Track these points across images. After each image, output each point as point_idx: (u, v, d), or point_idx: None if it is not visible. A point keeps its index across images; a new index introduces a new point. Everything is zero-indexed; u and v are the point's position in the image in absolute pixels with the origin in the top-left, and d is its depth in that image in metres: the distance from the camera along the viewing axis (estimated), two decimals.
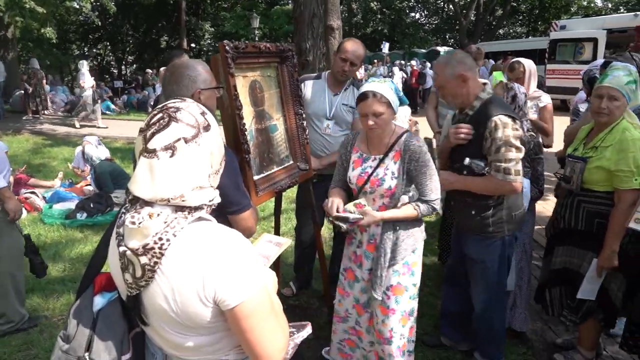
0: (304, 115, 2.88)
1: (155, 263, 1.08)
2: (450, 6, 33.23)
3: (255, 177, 2.46)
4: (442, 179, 2.39)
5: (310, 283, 3.82)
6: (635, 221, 2.18)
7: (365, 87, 2.23)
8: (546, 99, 3.78)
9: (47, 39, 18.95)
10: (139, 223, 1.07)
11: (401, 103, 2.31)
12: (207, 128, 1.15)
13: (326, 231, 4.59)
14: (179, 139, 1.09)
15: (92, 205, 5.48)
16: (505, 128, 2.27)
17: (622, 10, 27.43)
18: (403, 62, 19.38)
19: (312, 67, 6.79)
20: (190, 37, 30.60)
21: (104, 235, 1.36)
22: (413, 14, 36.86)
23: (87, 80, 12.25)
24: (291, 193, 5.34)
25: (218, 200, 1.20)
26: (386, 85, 2.21)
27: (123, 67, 36.58)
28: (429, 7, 37.44)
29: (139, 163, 1.11)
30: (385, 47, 18.92)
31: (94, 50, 35.45)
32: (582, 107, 3.91)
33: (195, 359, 1.23)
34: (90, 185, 6.32)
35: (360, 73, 16.74)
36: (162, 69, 2.23)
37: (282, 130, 2.83)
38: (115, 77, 28.78)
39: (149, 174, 1.08)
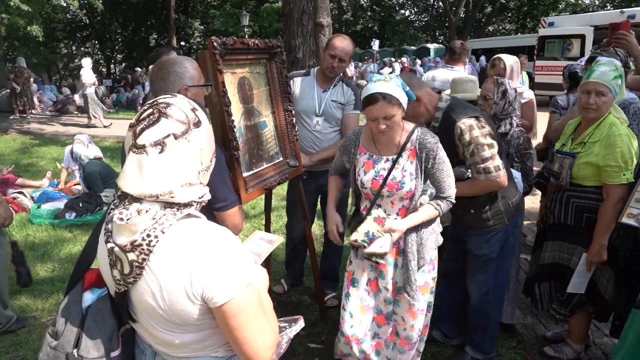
0: (293, 112, 2.88)
1: (144, 260, 1.07)
2: (440, 3, 33.36)
3: (245, 174, 2.45)
4: None
5: (302, 280, 3.82)
6: (628, 216, 2.19)
7: (373, 89, 2.02)
8: (528, 95, 3.80)
9: (34, 37, 18.73)
10: (127, 219, 1.06)
11: (409, 98, 2.16)
12: (197, 124, 1.14)
13: (317, 228, 4.59)
14: (168, 135, 1.08)
15: (81, 205, 5.44)
16: (471, 130, 2.29)
17: (608, 7, 27.72)
18: (393, 59, 19.41)
19: (301, 65, 6.76)
20: (180, 35, 30.40)
21: (94, 232, 1.35)
22: (403, 11, 36.90)
23: (88, 77, 12.16)
24: (282, 190, 5.34)
25: (208, 197, 1.19)
26: (393, 84, 2.03)
27: (112, 65, 36.28)
28: (419, 4, 37.54)
29: (127, 158, 1.10)
30: (375, 45, 18.94)
31: (82, 48, 35.13)
32: (561, 100, 3.99)
33: (184, 356, 1.23)
34: (79, 184, 6.26)
35: (350, 70, 16.75)
36: (151, 66, 2.21)
37: (272, 126, 2.82)
38: (104, 76, 28.52)
39: (138, 170, 1.07)
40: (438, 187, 2.22)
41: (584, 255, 2.49)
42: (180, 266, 1.07)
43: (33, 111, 14.43)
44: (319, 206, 3.56)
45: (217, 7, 29.35)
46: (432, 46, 25.32)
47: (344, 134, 3.20)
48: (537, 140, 3.88)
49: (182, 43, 31.57)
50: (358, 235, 2.16)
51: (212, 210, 1.88)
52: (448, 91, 3.46)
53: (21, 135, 11.24)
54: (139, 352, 1.33)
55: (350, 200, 2.54)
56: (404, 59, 18.13)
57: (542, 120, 4.12)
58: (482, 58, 17.26)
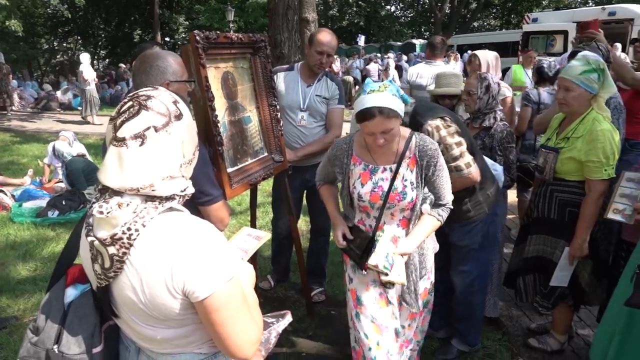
0: (277, 107, 2.86)
1: (124, 254, 1.06)
2: None
3: (229, 170, 2.43)
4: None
5: (288, 276, 3.81)
6: (614, 212, 2.20)
7: (367, 102, 1.87)
8: (506, 92, 3.85)
9: (13, 32, 18.36)
10: (107, 213, 1.05)
11: (404, 102, 2.02)
12: (179, 117, 1.13)
13: (303, 224, 4.59)
14: (148, 128, 1.07)
15: (64, 203, 5.36)
16: (438, 131, 2.31)
17: (590, 4, 28.05)
18: (378, 54, 19.43)
19: (287, 60, 6.74)
20: (164, 30, 30.06)
21: (76, 227, 1.34)
22: (388, 7, 36.98)
23: (89, 73, 12.02)
24: (268, 186, 5.33)
25: (191, 190, 1.18)
26: (388, 94, 1.88)
27: (95, 61, 35.73)
28: (404, 0, 37.62)
29: (108, 152, 1.09)
30: (361, 40, 18.96)
31: (64, 44, 34.54)
32: (532, 95, 4.11)
33: (167, 352, 1.22)
34: (61, 182, 6.16)
35: (337, 66, 16.72)
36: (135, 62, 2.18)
37: (256, 122, 2.80)
38: None
39: (118, 163, 1.06)
40: (437, 195, 2.14)
41: (566, 249, 2.53)
42: (161, 260, 1.06)
43: (13, 108, 14.17)
44: (304, 201, 3.55)
45: (202, 2, 29.07)
46: (417, 42, 25.36)
47: (329, 129, 3.20)
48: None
49: (167, 39, 31.23)
50: (378, 259, 1.96)
51: (196, 206, 1.86)
52: (432, 86, 3.48)
53: (1, 133, 11.03)
54: (123, 349, 1.32)
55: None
56: (390, 55, 18.16)
57: None
58: (467, 54, 17.37)
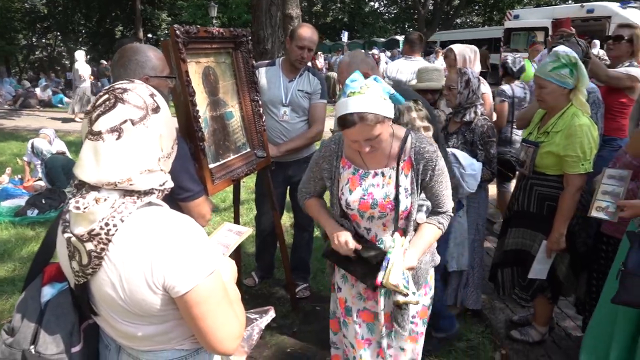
0: (260, 102, 2.85)
1: (102, 249, 1.05)
2: None
3: (211, 166, 2.42)
4: None
5: (273, 272, 3.80)
6: (597, 209, 2.21)
7: (347, 107, 1.65)
8: (484, 89, 3.89)
9: None
10: (84, 208, 1.03)
11: (396, 102, 1.78)
12: (156, 110, 1.12)
13: (287, 220, 4.58)
14: (125, 121, 1.06)
15: (43, 202, 5.27)
16: (409, 112, 2.25)
17: (569, 2, 28.46)
18: (362, 51, 19.45)
19: (270, 56, 6.70)
20: (147, 26, 29.65)
21: (53, 224, 1.31)
22: (372, 3, 37.00)
23: (85, 71, 11.85)
24: (252, 183, 5.30)
25: (170, 184, 1.17)
26: (371, 96, 1.65)
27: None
28: None
29: (84, 146, 1.07)
30: (345, 36, 18.92)
31: (43, 40, 33.86)
32: (507, 89, 4.21)
33: (148, 349, 1.21)
34: (41, 180, 6.05)
35: (320, 62, 16.69)
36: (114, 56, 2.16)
37: (238, 117, 2.78)
38: (68, 69, 27.61)
39: (94, 157, 1.05)
40: (436, 202, 1.92)
41: (544, 243, 2.56)
42: (140, 255, 1.05)
43: None
44: (288, 197, 3.54)
45: None
46: (401, 38, 25.40)
47: (312, 124, 3.20)
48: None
49: (149, 35, 30.82)
50: (398, 278, 1.70)
51: (177, 202, 1.85)
52: (414, 82, 3.49)
53: None
54: (103, 347, 1.30)
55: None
56: (374, 51, 18.19)
57: None
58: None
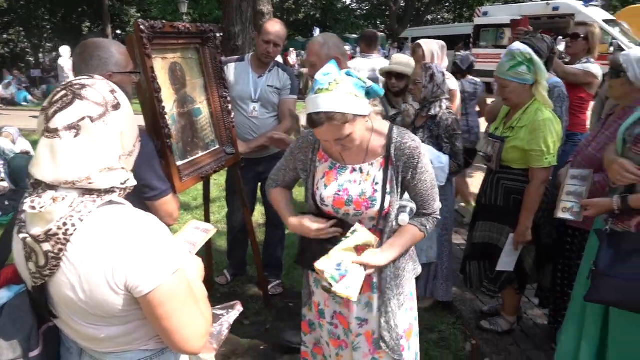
0: (228, 98, 2.82)
1: (60, 250, 1.02)
2: None
3: (179, 163, 2.38)
4: None
5: (245, 269, 3.78)
6: (563, 210, 2.25)
7: (314, 105, 1.54)
8: (453, 85, 3.95)
9: None
10: (41, 207, 1.00)
11: (373, 94, 1.66)
12: (116, 107, 1.10)
13: (260, 217, 4.55)
14: (83, 118, 1.03)
15: (6, 203, 5.12)
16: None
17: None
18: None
19: (241, 52, 6.67)
20: (115, 23, 28.97)
21: (8, 225, 1.27)
22: (344, 0, 37.09)
23: (68, 67, 11.49)
24: (224, 180, 5.25)
25: (133, 183, 1.14)
26: (341, 93, 1.53)
27: (40, 54, 34.02)
28: None
29: (40, 144, 1.04)
30: (316, 33, 18.92)
31: (5, 36, 32.67)
32: (466, 84, 4.41)
33: (111, 351, 1.18)
34: (4, 181, 5.85)
35: (292, 59, 16.64)
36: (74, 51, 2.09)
37: (207, 113, 2.74)
38: (32, 66, 26.72)
39: (51, 156, 1.02)
40: (420, 202, 1.79)
41: (511, 235, 2.62)
42: (101, 255, 1.03)
43: None
44: (259, 194, 3.52)
45: None
46: None
47: (281, 119, 3.18)
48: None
49: (118, 31, 30.12)
50: (327, 266, 1.63)
51: (144, 200, 1.81)
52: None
53: None
54: (64, 351, 1.27)
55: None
56: (347, 47, 18.23)
57: None
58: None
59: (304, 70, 14.92)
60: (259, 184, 3.41)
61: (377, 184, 1.72)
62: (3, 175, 5.85)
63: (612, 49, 11.21)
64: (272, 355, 2.87)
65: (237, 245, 3.61)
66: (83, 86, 1.07)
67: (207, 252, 3.28)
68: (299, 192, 5.12)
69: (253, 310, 3.30)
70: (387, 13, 32.89)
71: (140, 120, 2.26)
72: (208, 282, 3.42)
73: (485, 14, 17.02)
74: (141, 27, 2.14)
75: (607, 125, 2.39)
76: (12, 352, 1.12)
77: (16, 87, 16.15)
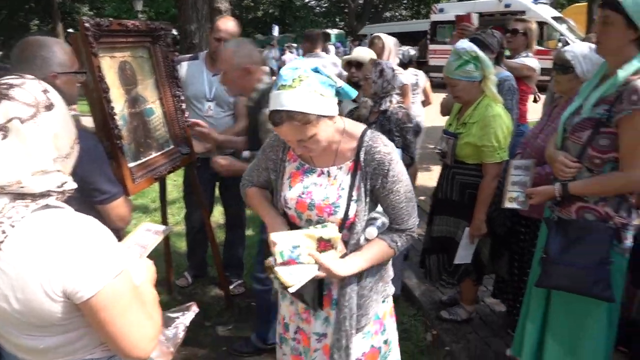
0: (182, 97, 2.76)
1: None
2: None
3: (131, 165, 2.31)
4: None
5: (206, 270, 3.73)
6: (509, 200, 2.31)
7: (275, 102, 1.43)
8: (404, 79, 4.03)
9: None
10: None
11: (344, 95, 1.53)
12: (49, 107, 1.05)
13: (220, 217, 4.49)
14: (11, 119, 0.99)
15: None
16: None
17: None
18: (294, 44, 19.47)
19: (198, 50, 6.53)
20: (67, 21, 27.86)
21: None
22: None
23: None
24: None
25: (71, 186, 1.10)
26: (304, 90, 1.40)
27: None
28: None
29: None
30: (275, 30, 18.80)
31: None
32: (409, 76, 4.44)
33: None
34: None
35: None
36: (14, 50, 1.97)
37: (160, 113, 2.68)
38: None
39: None
40: (393, 216, 1.62)
41: (467, 229, 2.69)
42: (35, 261, 0.98)
43: None
44: (217, 193, 3.47)
45: None
46: (332, 32, 25.72)
47: (237, 118, 3.15)
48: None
49: (70, 30, 28.98)
50: (283, 241, 1.51)
51: (94, 204, 1.76)
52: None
53: None
54: None
55: None
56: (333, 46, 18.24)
57: (437, 100, 4.43)
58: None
59: (264, 68, 14.81)
60: (217, 183, 3.37)
61: (342, 189, 1.57)
62: None
63: (560, 44, 11.67)
64: (235, 357, 2.84)
65: (196, 246, 3.56)
66: (11, 86, 1.03)
67: (166, 255, 3.21)
68: None
69: (215, 311, 3.26)
70: (345, 10, 33.05)
71: (90, 122, 2.20)
72: (169, 285, 3.36)
73: (441, 10, 17.39)
74: (86, 24, 2.06)
75: (553, 117, 2.49)
76: None
77: None
